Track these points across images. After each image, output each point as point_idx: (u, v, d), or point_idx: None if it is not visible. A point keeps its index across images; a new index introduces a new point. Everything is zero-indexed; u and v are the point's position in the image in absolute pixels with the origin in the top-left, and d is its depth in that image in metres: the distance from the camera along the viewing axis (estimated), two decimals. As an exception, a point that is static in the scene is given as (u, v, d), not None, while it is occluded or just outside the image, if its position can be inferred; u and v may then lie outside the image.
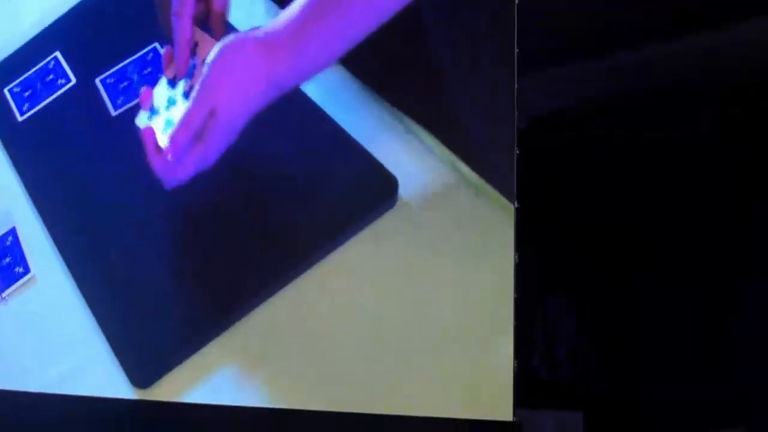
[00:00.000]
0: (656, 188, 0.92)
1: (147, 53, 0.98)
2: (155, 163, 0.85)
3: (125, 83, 0.98)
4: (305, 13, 0.81)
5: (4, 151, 1.02)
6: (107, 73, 0.99)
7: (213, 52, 0.83)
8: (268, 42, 0.82)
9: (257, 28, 0.84)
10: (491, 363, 0.80)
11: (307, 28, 0.81)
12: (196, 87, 0.83)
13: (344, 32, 0.82)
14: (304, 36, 0.81)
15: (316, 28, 0.81)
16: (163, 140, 0.85)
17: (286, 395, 0.83)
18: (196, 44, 0.89)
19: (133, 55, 0.99)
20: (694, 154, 0.92)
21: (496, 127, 0.86)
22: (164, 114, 0.87)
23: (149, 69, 0.98)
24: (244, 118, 0.84)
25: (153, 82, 0.91)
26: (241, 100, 0.83)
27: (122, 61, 0.99)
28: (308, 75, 0.86)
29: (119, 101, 0.97)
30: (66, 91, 1.01)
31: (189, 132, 0.83)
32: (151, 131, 0.85)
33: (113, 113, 0.97)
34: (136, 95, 0.95)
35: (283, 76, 0.83)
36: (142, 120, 0.88)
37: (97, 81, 0.99)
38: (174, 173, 0.85)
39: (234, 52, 0.83)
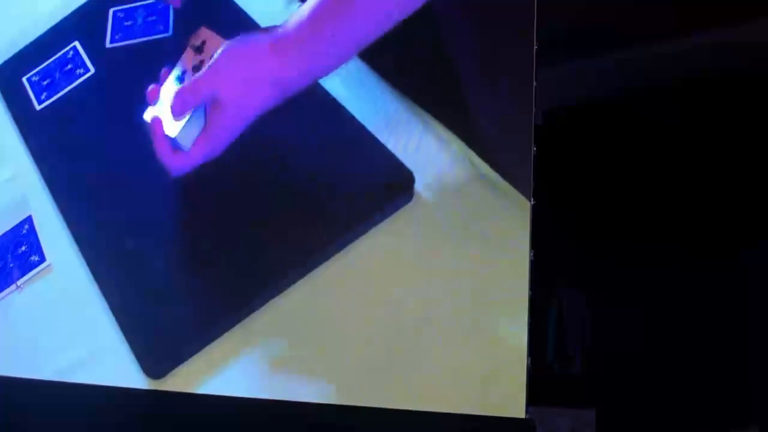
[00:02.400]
0: (673, 184, 0.92)
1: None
2: (161, 149, 0.86)
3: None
4: (315, 15, 0.81)
5: (22, 140, 1.02)
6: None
7: (220, 48, 0.84)
8: (277, 44, 0.82)
9: (268, 28, 0.84)
10: (505, 359, 0.80)
11: (317, 30, 0.81)
12: (202, 69, 0.84)
13: (354, 35, 0.83)
14: (313, 38, 0.81)
15: (326, 30, 0.81)
16: (169, 129, 0.85)
17: (299, 388, 0.83)
18: (203, 42, 0.89)
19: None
20: (713, 149, 0.92)
21: (513, 123, 0.85)
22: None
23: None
24: (250, 114, 0.85)
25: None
26: (247, 96, 0.83)
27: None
28: (317, 77, 0.86)
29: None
30: (84, 81, 1.02)
31: (191, 97, 0.83)
32: (158, 120, 0.86)
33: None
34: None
35: (291, 78, 0.83)
36: (148, 115, 0.87)
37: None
38: (178, 161, 0.86)
39: (241, 48, 0.83)
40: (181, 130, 0.84)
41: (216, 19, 0.98)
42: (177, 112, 0.84)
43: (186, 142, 0.85)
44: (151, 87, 0.89)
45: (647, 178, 0.93)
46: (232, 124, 0.85)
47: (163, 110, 0.86)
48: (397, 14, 0.82)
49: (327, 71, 0.86)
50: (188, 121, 0.84)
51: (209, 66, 0.83)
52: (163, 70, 0.89)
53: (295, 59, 0.82)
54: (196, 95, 0.84)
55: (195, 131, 0.85)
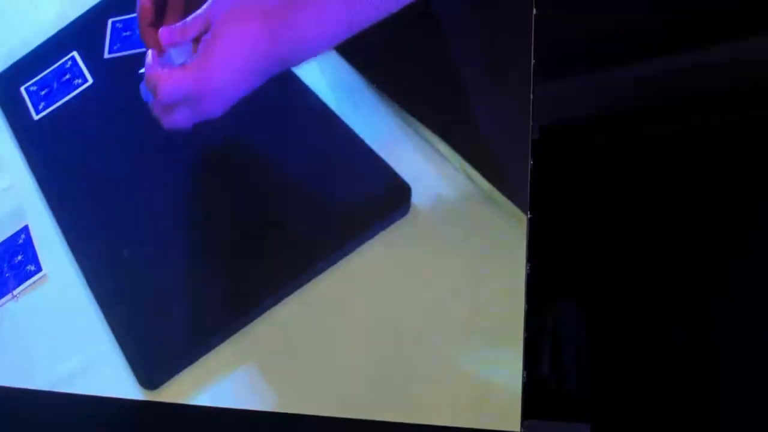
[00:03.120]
0: (669, 199, 0.92)
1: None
2: (150, 72, 0.84)
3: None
4: None
5: (19, 149, 1.02)
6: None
7: None
8: (270, 7, 0.80)
9: None
10: (500, 373, 0.80)
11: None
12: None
13: (346, 10, 0.80)
14: (299, 7, 0.79)
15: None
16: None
17: (294, 400, 0.83)
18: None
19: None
20: (711, 166, 0.92)
21: (511, 136, 0.86)
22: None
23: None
24: (245, 55, 0.81)
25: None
26: (243, 36, 0.81)
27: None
28: (307, 49, 0.83)
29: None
30: (82, 91, 1.02)
31: (187, 25, 0.82)
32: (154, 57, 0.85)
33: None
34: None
35: (284, 33, 0.80)
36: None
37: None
38: (167, 82, 0.82)
39: (237, 4, 0.81)
40: (173, 49, 0.84)
41: None
42: (168, 36, 0.83)
43: (178, 59, 0.84)
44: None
45: (644, 194, 0.93)
46: (225, 53, 0.81)
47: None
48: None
49: (321, 44, 0.83)
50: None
51: (206, 5, 0.82)
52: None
53: (286, 26, 0.80)
54: (192, 25, 0.82)
55: (187, 51, 0.84)
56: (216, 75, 0.81)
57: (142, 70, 0.86)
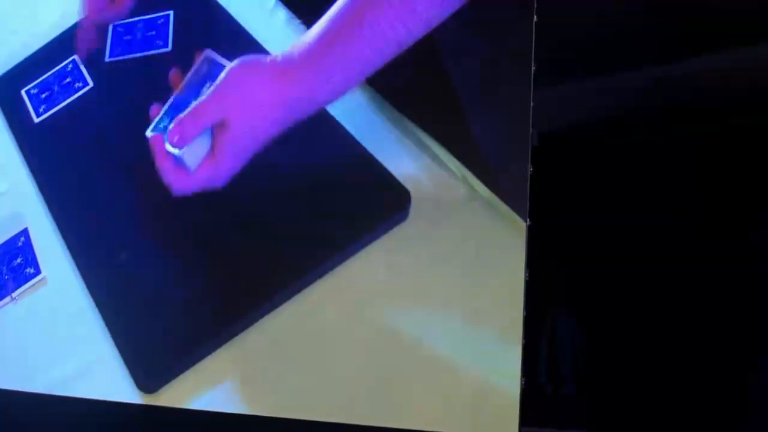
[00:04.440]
0: (669, 205, 0.92)
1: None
2: (163, 166, 0.85)
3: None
4: (322, 39, 0.81)
5: (19, 152, 1.02)
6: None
7: (225, 70, 0.83)
8: (284, 67, 0.81)
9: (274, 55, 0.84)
10: (498, 379, 0.80)
11: (324, 54, 0.80)
12: (207, 91, 0.83)
13: (362, 60, 0.81)
14: (320, 62, 0.81)
15: (333, 54, 0.80)
16: (171, 148, 0.85)
17: (292, 405, 0.83)
18: (203, 61, 0.89)
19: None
20: (711, 170, 0.92)
21: (510, 143, 0.86)
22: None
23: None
24: (257, 138, 0.84)
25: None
26: (253, 119, 0.82)
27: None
28: (325, 101, 0.85)
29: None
30: (83, 95, 1.02)
31: (196, 120, 0.82)
32: (158, 138, 0.85)
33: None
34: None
35: (298, 100, 0.82)
36: (150, 132, 0.87)
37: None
38: (181, 180, 0.85)
39: (247, 70, 0.82)
40: (186, 149, 0.83)
41: (216, 36, 0.99)
42: (181, 140, 0.83)
43: (192, 162, 0.84)
44: (153, 106, 0.88)
45: (643, 200, 0.93)
46: (238, 147, 0.83)
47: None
48: (405, 38, 0.82)
49: (335, 96, 0.85)
50: (194, 140, 0.84)
51: (214, 89, 0.82)
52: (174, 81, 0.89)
53: (302, 82, 0.81)
54: (202, 120, 0.82)
55: (201, 151, 0.84)
56: (232, 165, 0.85)
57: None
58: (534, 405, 0.80)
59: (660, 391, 0.88)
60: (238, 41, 0.97)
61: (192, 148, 0.84)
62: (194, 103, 0.83)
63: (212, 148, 0.84)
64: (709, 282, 0.90)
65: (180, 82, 0.89)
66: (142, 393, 0.87)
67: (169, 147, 0.84)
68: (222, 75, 0.83)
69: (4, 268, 0.96)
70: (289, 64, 0.81)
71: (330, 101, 0.86)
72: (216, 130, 0.83)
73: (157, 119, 0.87)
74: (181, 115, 0.83)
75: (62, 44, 1.06)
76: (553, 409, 0.88)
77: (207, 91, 0.83)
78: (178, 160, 0.84)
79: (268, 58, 0.83)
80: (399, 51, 0.82)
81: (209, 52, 0.89)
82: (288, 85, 0.81)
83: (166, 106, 0.88)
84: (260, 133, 0.83)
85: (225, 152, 0.83)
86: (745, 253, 0.90)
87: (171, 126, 0.83)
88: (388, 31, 0.80)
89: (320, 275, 0.86)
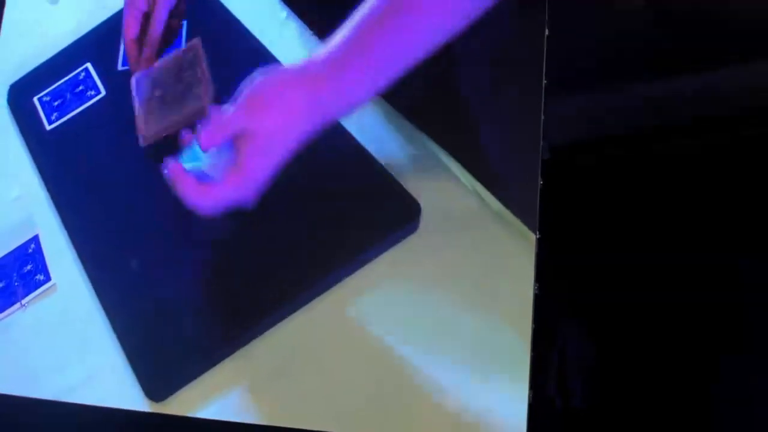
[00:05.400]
0: (679, 220, 0.92)
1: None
2: (187, 189, 0.82)
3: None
4: (348, 43, 0.80)
5: (31, 159, 1.03)
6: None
7: (250, 80, 0.82)
8: (310, 73, 0.80)
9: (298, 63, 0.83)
10: (506, 392, 0.80)
11: (350, 57, 0.79)
12: (231, 104, 0.82)
13: (389, 62, 0.80)
14: (346, 66, 0.79)
15: (360, 57, 0.79)
16: (189, 164, 0.85)
17: (299, 416, 0.83)
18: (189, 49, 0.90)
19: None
20: (722, 183, 0.92)
21: (521, 156, 0.86)
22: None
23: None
24: (286, 148, 0.82)
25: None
26: (282, 128, 0.81)
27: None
28: (353, 106, 0.84)
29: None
30: (95, 103, 1.02)
31: (221, 131, 0.81)
32: (177, 165, 0.83)
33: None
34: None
35: (326, 107, 0.81)
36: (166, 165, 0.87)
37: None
38: (208, 198, 0.82)
39: (272, 79, 0.81)
40: (207, 159, 0.83)
41: (228, 46, 0.99)
42: (206, 146, 0.81)
43: (215, 172, 0.83)
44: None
45: (654, 213, 0.93)
46: (265, 157, 0.81)
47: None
48: (431, 41, 0.81)
49: (364, 99, 0.84)
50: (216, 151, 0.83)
51: (239, 100, 0.81)
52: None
53: (332, 88, 0.80)
54: (227, 129, 0.81)
55: (223, 162, 0.82)
56: (259, 176, 0.82)
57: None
58: (542, 419, 0.80)
59: (670, 404, 0.88)
60: (251, 51, 0.98)
61: (213, 159, 0.84)
62: (217, 113, 0.82)
63: (237, 158, 0.81)
64: (722, 294, 0.89)
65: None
66: (150, 401, 0.87)
67: (187, 164, 0.84)
68: (245, 88, 0.82)
69: (15, 274, 0.97)
70: (317, 69, 0.80)
71: (358, 105, 0.84)
72: (239, 141, 0.81)
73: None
74: (208, 122, 0.82)
75: (75, 52, 1.06)
76: (562, 424, 0.88)
77: (229, 105, 0.82)
78: (200, 176, 0.83)
79: (294, 66, 0.82)
80: (427, 51, 0.81)
81: (197, 42, 0.91)
82: (317, 91, 0.80)
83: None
84: (288, 142, 0.81)
85: (250, 162, 0.81)
86: (763, 263, 0.90)
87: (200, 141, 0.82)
88: (415, 34, 0.80)
89: (329, 286, 0.86)
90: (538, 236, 0.83)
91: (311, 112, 0.81)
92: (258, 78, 0.82)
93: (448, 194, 0.87)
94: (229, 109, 0.81)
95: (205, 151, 0.82)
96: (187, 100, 0.90)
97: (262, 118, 0.80)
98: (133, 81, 0.95)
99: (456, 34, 0.82)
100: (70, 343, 0.92)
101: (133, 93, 0.94)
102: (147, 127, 0.92)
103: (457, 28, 0.81)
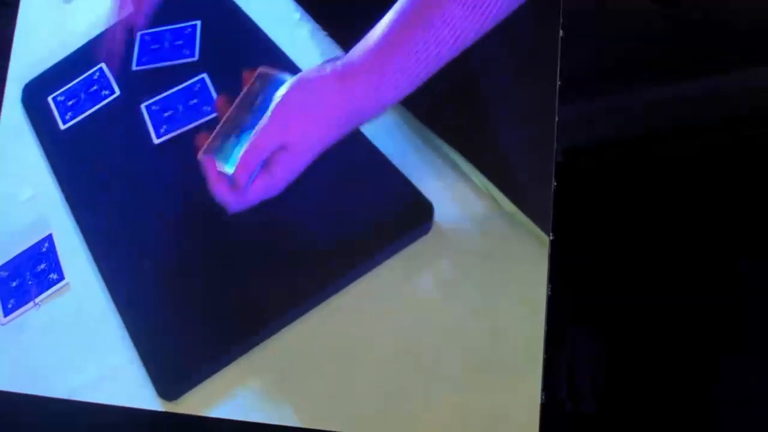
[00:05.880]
0: (693, 224, 0.92)
1: (194, 84, 0.99)
2: (218, 189, 0.85)
3: (170, 112, 0.99)
4: (384, 40, 0.80)
5: (45, 159, 1.03)
6: (152, 100, 1.00)
7: (282, 88, 0.83)
8: (346, 72, 0.81)
9: (330, 61, 0.83)
10: (518, 395, 0.80)
11: (386, 55, 0.80)
12: (266, 116, 0.82)
13: (424, 58, 0.81)
14: (383, 64, 0.80)
15: (396, 55, 0.80)
16: (224, 168, 0.85)
17: (311, 415, 0.83)
18: (256, 79, 0.89)
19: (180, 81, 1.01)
20: (737, 186, 0.92)
21: (535, 157, 0.86)
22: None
23: (195, 100, 0.99)
24: (317, 150, 0.84)
25: (198, 114, 0.94)
26: (314, 135, 0.82)
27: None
28: (388, 103, 0.84)
29: (163, 129, 0.98)
30: (109, 103, 1.03)
31: (257, 155, 0.82)
32: (210, 160, 0.85)
33: (155, 136, 0.98)
34: (179, 124, 0.97)
35: (363, 105, 0.81)
36: (202, 155, 0.87)
37: (142, 107, 1.00)
38: (238, 198, 0.84)
39: (305, 86, 0.82)
40: None
41: (242, 46, 0.99)
42: (245, 176, 0.83)
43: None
44: (199, 135, 0.88)
45: (667, 216, 0.93)
46: (297, 163, 0.84)
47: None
48: (468, 35, 0.81)
49: (400, 96, 0.83)
50: None
51: (273, 112, 0.82)
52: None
53: (364, 90, 0.81)
54: (263, 150, 0.82)
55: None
56: (288, 177, 0.85)
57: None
58: (554, 423, 0.80)
59: (681, 409, 0.88)
60: (265, 51, 0.98)
61: None
62: (253, 135, 0.83)
63: (268, 164, 0.83)
64: (740, 297, 0.89)
65: (226, 108, 0.89)
66: (162, 400, 0.87)
67: (221, 167, 0.85)
68: (278, 97, 0.82)
69: (28, 273, 0.97)
70: (351, 68, 0.81)
71: (393, 103, 0.84)
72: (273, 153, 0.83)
73: (210, 141, 0.87)
74: (242, 153, 0.83)
75: (89, 52, 1.07)
76: (573, 427, 0.88)
77: (264, 119, 0.82)
78: (232, 179, 0.84)
79: (328, 68, 0.82)
80: (460, 47, 0.82)
81: (263, 70, 0.89)
82: (352, 91, 0.81)
83: (219, 127, 0.88)
84: (321, 146, 0.84)
85: (283, 170, 0.84)
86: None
87: (235, 167, 0.83)
88: (450, 30, 0.80)
89: (342, 286, 0.86)
90: (551, 238, 0.82)
91: (348, 116, 0.82)
92: (290, 90, 0.82)
93: (462, 195, 0.87)
94: (263, 125, 0.82)
95: (245, 171, 0.83)
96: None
97: (298, 129, 0.82)
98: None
99: (483, 34, 0.82)
100: (82, 341, 0.92)
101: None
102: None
103: (486, 28, 0.82)
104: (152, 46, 1.04)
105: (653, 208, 0.93)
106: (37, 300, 0.95)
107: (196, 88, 0.99)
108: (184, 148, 0.94)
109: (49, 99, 1.06)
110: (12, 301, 0.96)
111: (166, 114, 0.98)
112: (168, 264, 0.92)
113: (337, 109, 0.81)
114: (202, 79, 0.99)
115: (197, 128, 0.96)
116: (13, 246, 0.99)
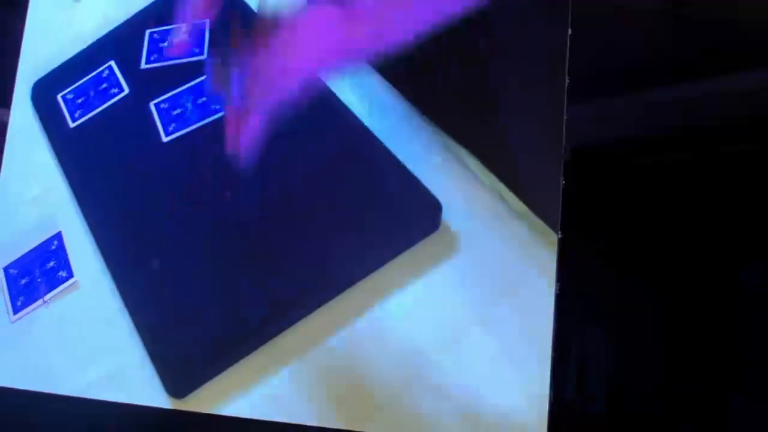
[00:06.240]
0: (700, 222, 0.92)
1: (203, 82, 1.00)
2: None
3: (179, 110, 0.99)
4: None
5: (54, 157, 1.03)
6: (161, 98, 1.00)
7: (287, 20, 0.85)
8: (348, 13, 0.82)
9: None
10: (526, 394, 0.80)
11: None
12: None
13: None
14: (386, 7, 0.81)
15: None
16: None
17: (319, 413, 0.83)
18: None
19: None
20: (744, 187, 0.92)
21: (543, 155, 0.85)
22: None
23: (204, 99, 0.99)
24: (314, 72, 0.86)
25: (207, 112, 0.94)
26: (316, 61, 0.84)
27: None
28: (386, 45, 0.85)
29: (171, 127, 0.99)
30: (118, 101, 1.03)
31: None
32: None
33: (164, 134, 0.99)
34: (188, 122, 0.97)
35: (362, 43, 0.83)
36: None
37: (151, 105, 1.00)
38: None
39: (309, 19, 0.83)
40: None
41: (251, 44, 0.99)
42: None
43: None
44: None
45: (675, 215, 0.93)
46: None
47: None
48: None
49: (399, 40, 0.85)
50: None
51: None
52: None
53: (369, 25, 0.82)
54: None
55: None
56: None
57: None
58: (563, 422, 0.79)
59: (690, 408, 0.87)
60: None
61: None
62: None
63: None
64: (742, 298, 0.89)
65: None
66: (171, 398, 0.87)
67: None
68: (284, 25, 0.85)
69: (37, 271, 0.97)
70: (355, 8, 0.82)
71: (393, 46, 0.85)
72: None
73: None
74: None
75: (99, 50, 1.07)
76: (582, 427, 0.88)
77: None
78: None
79: (328, 4, 0.84)
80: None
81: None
82: (353, 27, 0.83)
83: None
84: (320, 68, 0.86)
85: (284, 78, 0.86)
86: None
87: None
88: None
89: (350, 284, 0.86)
90: (559, 236, 0.82)
91: (348, 52, 0.85)
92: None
93: (470, 193, 0.87)
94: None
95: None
96: None
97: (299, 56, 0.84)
98: None
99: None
100: (91, 339, 0.93)
101: None
102: None
103: None
104: (161, 44, 1.04)
105: (662, 207, 0.93)
106: (46, 298, 0.96)
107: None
108: (193, 146, 0.94)
109: (59, 97, 1.06)
110: (21, 298, 0.97)
111: (174, 112, 0.98)
112: (177, 262, 0.92)
113: (335, 39, 0.84)
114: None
115: (206, 126, 0.96)
116: (22, 244, 0.99)
